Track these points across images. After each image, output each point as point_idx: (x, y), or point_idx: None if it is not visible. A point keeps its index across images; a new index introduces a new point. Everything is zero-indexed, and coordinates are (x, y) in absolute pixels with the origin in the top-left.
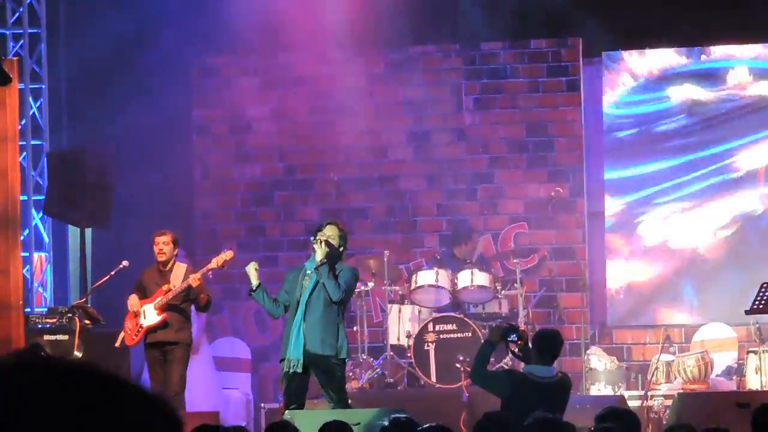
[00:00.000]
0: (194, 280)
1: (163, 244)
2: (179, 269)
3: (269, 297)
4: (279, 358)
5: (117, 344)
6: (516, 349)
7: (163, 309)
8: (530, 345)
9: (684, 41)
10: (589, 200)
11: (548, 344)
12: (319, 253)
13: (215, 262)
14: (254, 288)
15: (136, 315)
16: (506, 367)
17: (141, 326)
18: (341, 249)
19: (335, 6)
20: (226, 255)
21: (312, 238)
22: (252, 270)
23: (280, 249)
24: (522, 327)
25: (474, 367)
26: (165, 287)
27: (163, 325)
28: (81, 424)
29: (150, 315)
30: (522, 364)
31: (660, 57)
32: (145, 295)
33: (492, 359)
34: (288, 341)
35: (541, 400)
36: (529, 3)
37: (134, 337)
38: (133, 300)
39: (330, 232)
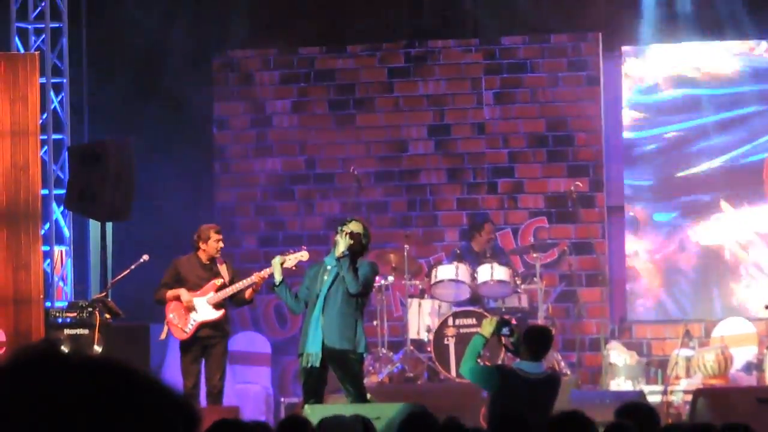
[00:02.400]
0: (259, 277)
1: (221, 240)
2: (222, 265)
3: (291, 293)
4: (297, 352)
5: (162, 336)
6: (508, 344)
7: (218, 305)
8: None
9: (703, 35)
10: (608, 195)
11: (538, 341)
12: (342, 244)
13: (288, 262)
14: (277, 283)
15: (189, 310)
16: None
17: (194, 321)
18: (364, 245)
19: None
20: (302, 256)
21: (338, 228)
22: (278, 265)
23: (300, 243)
24: (514, 321)
25: (464, 361)
26: (218, 282)
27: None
28: (101, 419)
29: (205, 310)
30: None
31: (680, 51)
32: (182, 286)
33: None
34: (306, 336)
35: (529, 397)
36: None
37: (186, 331)
38: (185, 295)
39: (355, 228)
